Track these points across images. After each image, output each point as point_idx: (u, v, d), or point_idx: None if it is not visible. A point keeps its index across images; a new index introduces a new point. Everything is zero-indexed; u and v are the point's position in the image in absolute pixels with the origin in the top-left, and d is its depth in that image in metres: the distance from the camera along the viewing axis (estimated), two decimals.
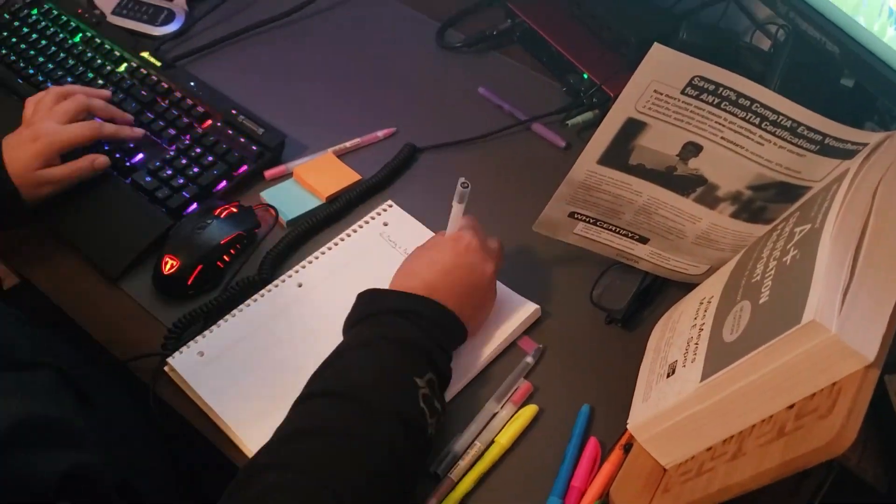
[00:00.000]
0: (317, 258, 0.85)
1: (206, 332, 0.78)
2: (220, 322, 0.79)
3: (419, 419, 0.63)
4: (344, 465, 0.58)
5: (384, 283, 0.77)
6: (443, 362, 0.69)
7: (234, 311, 0.80)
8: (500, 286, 0.82)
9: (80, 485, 0.54)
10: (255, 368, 0.76)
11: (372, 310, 0.71)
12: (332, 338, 0.74)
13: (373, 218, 0.89)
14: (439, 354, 0.68)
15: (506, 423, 0.73)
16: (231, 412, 0.72)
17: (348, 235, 0.87)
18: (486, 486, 0.70)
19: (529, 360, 0.77)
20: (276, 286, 0.82)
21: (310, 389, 0.65)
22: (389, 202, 0.90)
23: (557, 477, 0.69)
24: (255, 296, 0.82)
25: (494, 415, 0.73)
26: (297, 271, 0.84)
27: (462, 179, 0.74)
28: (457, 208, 0.76)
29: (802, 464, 0.52)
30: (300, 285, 0.82)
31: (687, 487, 0.61)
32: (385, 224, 0.88)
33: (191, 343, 0.77)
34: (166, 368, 0.76)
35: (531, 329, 0.80)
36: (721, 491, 0.57)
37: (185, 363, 0.76)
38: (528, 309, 0.80)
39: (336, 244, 0.86)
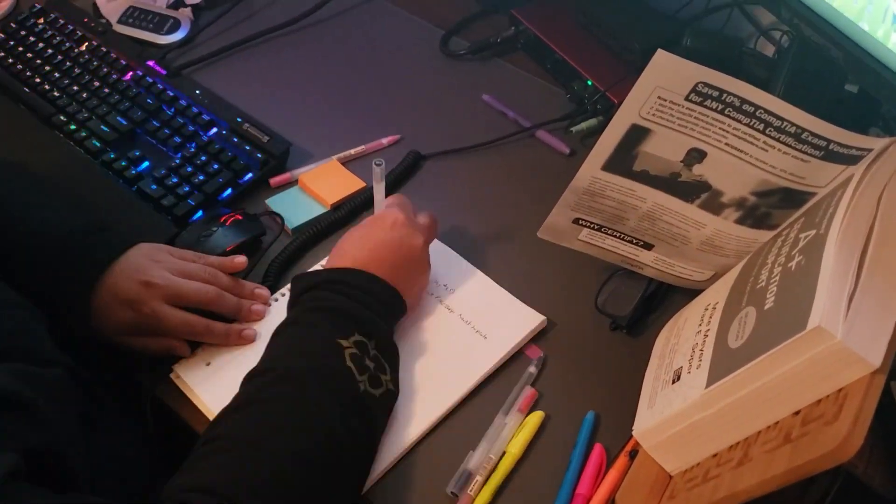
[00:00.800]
0: (323, 266, 0.85)
1: None
2: None
3: (346, 376, 0.66)
4: (274, 426, 0.62)
5: None
6: (373, 324, 0.71)
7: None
8: (505, 295, 0.82)
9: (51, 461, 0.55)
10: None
11: (301, 289, 0.73)
12: None
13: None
14: (368, 317, 0.71)
15: (514, 431, 0.72)
16: None
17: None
18: (494, 496, 0.69)
19: (532, 369, 0.77)
20: (283, 295, 0.82)
21: (246, 374, 0.68)
22: None
23: (563, 484, 0.69)
24: None
25: (503, 426, 0.73)
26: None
27: (376, 159, 0.77)
28: (377, 188, 0.78)
29: (808, 470, 0.52)
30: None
31: (693, 494, 0.61)
32: None
33: (198, 351, 0.77)
34: (172, 376, 0.76)
35: (536, 336, 0.80)
36: (727, 498, 0.57)
37: (192, 372, 0.76)
38: (534, 320, 0.80)
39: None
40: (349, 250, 0.76)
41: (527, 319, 0.80)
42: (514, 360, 0.79)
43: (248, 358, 0.77)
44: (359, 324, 0.70)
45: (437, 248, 0.86)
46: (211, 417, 0.73)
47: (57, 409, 0.58)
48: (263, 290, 0.82)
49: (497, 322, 0.80)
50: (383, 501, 0.69)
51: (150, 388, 0.76)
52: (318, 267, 0.84)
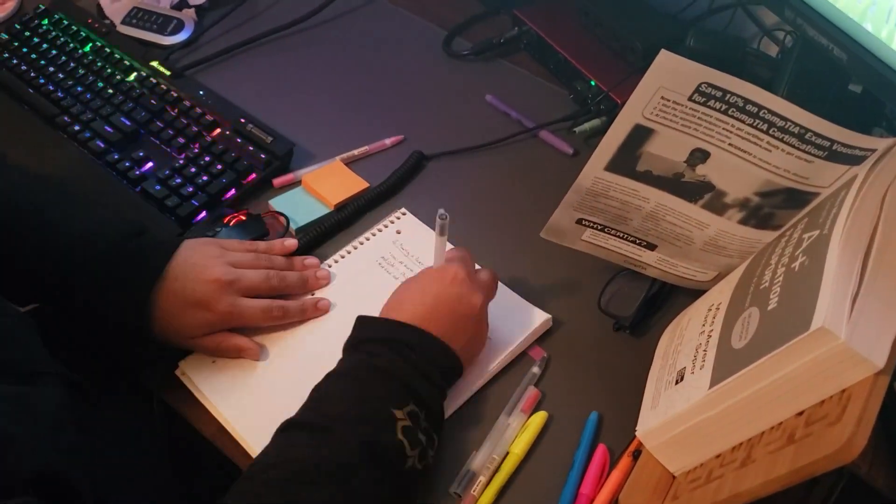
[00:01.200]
0: (329, 266, 0.85)
1: None
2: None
3: (395, 451, 0.63)
4: (307, 496, 0.59)
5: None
6: (430, 394, 0.67)
7: None
8: (512, 295, 0.82)
9: (53, 487, 0.54)
10: (266, 375, 0.76)
11: (361, 337, 0.70)
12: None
13: (386, 226, 0.89)
14: (425, 386, 0.67)
15: (518, 432, 0.72)
16: (242, 418, 0.73)
17: (361, 244, 0.87)
18: (497, 496, 0.69)
19: (536, 370, 0.77)
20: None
21: (289, 420, 0.65)
22: (403, 210, 0.91)
23: (566, 484, 0.69)
24: None
25: (506, 426, 0.73)
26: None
27: (441, 211, 0.72)
28: (438, 241, 0.75)
29: (812, 471, 0.52)
30: (312, 293, 0.83)
31: (696, 495, 0.61)
32: (398, 232, 0.88)
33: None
34: (178, 372, 0.76)
35: (540, 337, 0.80)
36: (730, 498, 0.57)
37: (198, 368, 0.76)
38: (540, 319, 0.80)
39: (349, 252, 0.86)
40: (407, 303, 0.72)
41: (532, 318, 0.80)
42: (518, 360, 0.78)
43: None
44: (415, 394, 0.66)
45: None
46: (216, 415, 0.74)
47: (49, 427, 0.57)
48: (313, 259, 0.83)
49: (503, 322, 0.80)
50: None
51: (157, 387, 0.76)
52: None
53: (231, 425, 0.73)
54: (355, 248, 0.87)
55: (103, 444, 0.65)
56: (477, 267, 0.79)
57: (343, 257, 0.86)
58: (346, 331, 0.73)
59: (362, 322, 0.72)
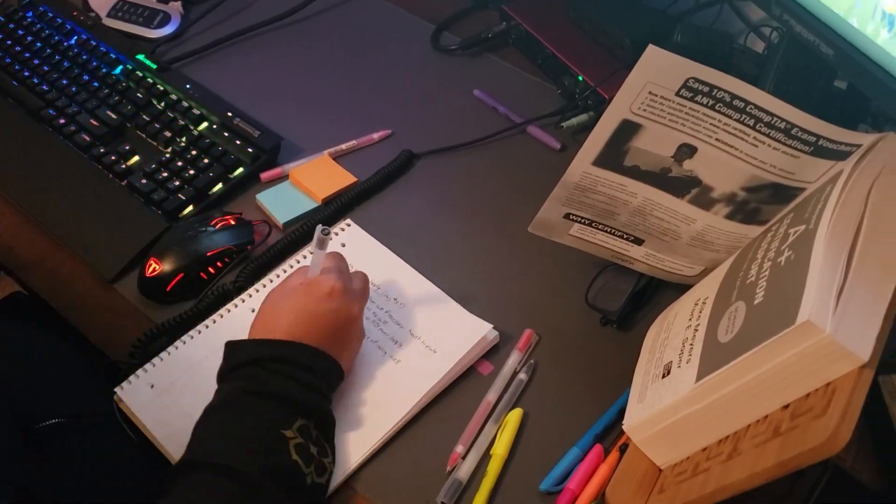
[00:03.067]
0: (272, 281, 0.82)
1: (156, 361, 0.76)
2: (171, 349, 0.77)
3: (292, 472, 0.63)
4: None
5: None
6: (315, 404, 0.67)
7: (184, 338, 0.78)
8: (456, 307, 0.80)
9: None
10: (206, 398, 0.68)
11: (233, 363, 0.68)
12: None
13: (330, 238, 0.85)
14: (309, 398, 0.67)
15: (495, 432, 0.72)
16: (181, 447, 0.66)
17: (304, 257, 0.84)
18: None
19: (523, 377, 0.76)
20: (229, 311, 0.80)
21: (182, 460, 0.63)
22: (348, 221, 0.88)
23: (549, 477, 0.69)
24: (207, 321, 0.79)
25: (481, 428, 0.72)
26: (250, 296, 0.81)
27: (321, 227, 0.71)
28: (317, 254, 0.72)
29: (797, 464, 0.52)
30: (253, 311, 0.77)
31: (682, 488, 0.61)
32: (343, 245, 0.86)
33: (140, 373, 0.75)
34: (115, 399, 0.74)
35: (532, 325, 0.80)
36: (716, 491, 0.57)
37: (135, 396, 0.74)
38: (481, 329, 0.78)
39: (291, 266, 0.83)
40: (283, 320, 0.70)
41: (474, 330, 0.78)
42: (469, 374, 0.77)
43: (191, 376, 0.75)
44: (300, 408, 0.66)
45: (387, 260, 0.84)
46: (155, 443, 0.72)
47: None
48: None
49: (446, 335, 0.78)
50: None
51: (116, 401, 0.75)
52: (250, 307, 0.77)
53: (171, 454, 0.71)
54: (298, 262, 0.83)
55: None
56: (351, 269, 0.78)
57: (285, 272, 0.83)
58: None
59: (232, 348, 0.70)
